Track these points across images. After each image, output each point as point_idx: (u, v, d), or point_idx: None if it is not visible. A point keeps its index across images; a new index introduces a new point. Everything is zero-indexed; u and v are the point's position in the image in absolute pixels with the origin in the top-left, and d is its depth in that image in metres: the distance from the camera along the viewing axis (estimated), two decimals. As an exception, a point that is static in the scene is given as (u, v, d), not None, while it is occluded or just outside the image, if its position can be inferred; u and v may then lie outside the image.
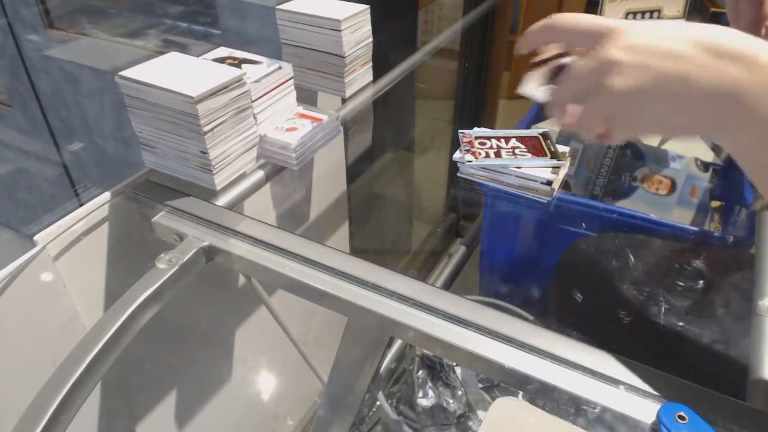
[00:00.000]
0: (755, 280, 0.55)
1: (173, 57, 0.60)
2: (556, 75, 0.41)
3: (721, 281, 0.71)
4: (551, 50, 0.43)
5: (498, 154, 0.55)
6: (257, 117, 0.62)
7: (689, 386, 0.39)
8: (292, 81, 0.66)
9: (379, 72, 0.84)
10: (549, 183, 0.52)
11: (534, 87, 0.43)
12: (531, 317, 0.81)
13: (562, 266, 0.83)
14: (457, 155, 0.56)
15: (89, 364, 0.44)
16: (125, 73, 0.56)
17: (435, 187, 1.73)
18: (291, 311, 0.91)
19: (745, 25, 0.49)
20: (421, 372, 0.86)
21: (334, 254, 0.51)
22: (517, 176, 0.53)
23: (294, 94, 0.67)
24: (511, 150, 0.54)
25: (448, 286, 1.13)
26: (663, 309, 0.76)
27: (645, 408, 0.38)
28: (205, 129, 0.55)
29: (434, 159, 1.68)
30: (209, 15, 1.50)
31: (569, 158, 0.57)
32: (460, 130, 0.63)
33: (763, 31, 0.49)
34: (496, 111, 1.64)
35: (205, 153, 0.56)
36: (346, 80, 0.76)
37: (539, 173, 0.52)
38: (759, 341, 0.47)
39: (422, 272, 1.51)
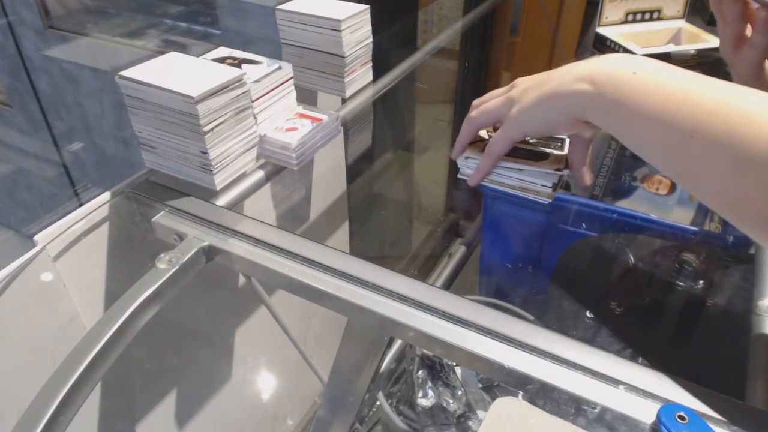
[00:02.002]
0: (755, 280, 0.55)
1: (173, 57, 0.60)
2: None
3: (721, 281, 0.71)
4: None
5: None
6: (257, 117, 0.62)
7: (689, 386, 0.39)
8: (292, 81, 0.66)
9: (379, 72, 0.84)
10: (549, 186, 0.52)
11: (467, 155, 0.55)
12: (531, 317, 0.81)
13: (562, 266, 0.83)
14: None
15: (89, 364, 0.44)
16: (125, 73, 0.56)
17: (435, 187, 1.73)
18: (291, 311, 0.91)
19: (730, 27, 0.49)
20: (421, 372, 0.86)
21: (334, 254, 0.51)
22: (518, 178, 0.53)
23: (294, 94, 0.67)
24: (512, 150, 0.54)
25: (448, 286, 1.13)
26: (662, 309, 0.76)
27: (645, 408, 0.38)
28: (205, 129, 0.55)
29: (434, 159, 1.68)
30: (209, 15, 1.50)
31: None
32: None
33: (748, 30, 0.49)
34: (496, 111, 1.64)
35: (205, 153, 0.56)
36: (346, 80, 0.76)
37: (541, 175, 0.52)
38: (759, 341, 0.47)
39: (422, 272, 1.51)
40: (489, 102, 0.51)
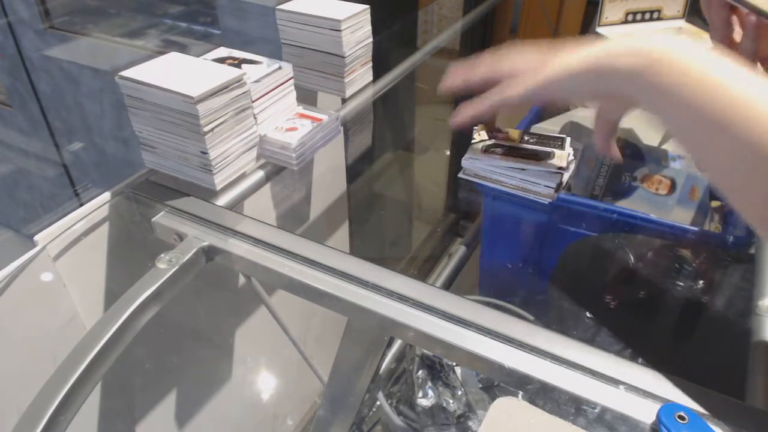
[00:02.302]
0: (755, 280, 0.55)
1: (173, 57, 0.60)
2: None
3: (721, 281, 0.71)
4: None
5: (503, 154, 0.55)
6: (257, 117, 0.62)
7: (689, 386, 0.39)
8: (292, 81, 0.66)
9: (379, 72, 0.84)
10: (551, 186, 0.52)
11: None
12: (531, 317, 0.81)
13: (562, 266, 0.83)
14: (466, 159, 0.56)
15: (89, 364, 0.44)
16: (125, 73, 0.56)
17: (435, 187, 1.73)
18: (291, 311, 0.91)
19: (719, 32, 0.49)
20: (421, 372, 0.86)
21: (334, 254, 0.51)
22: (521, 178, 0.53)
23: (294, 94, 0.68)
24: (513, 150, 0.54)
25: (448, 286, 1.13)
26: (663, 309, 0.76)
27: (645, 408, 0.38)
28: (205, 129, 0.55)
29: (434, 159, 1.68)
30: (209, 15, 1.50)
31: (572, 159, 0.57)
32: (474, 126, 0.63)
33: (735, 33, 0.49)
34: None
35: (205, 153, 0.56)
36: (346, 80, 0.76)
37: (543, 175, 0.52)
38: (759, 341, 0.47)
39: (422, 272, 1.51)
40: (524, 55, 0.47)
